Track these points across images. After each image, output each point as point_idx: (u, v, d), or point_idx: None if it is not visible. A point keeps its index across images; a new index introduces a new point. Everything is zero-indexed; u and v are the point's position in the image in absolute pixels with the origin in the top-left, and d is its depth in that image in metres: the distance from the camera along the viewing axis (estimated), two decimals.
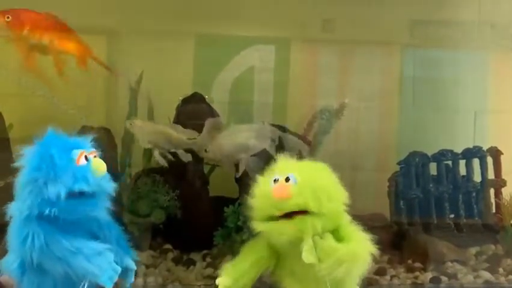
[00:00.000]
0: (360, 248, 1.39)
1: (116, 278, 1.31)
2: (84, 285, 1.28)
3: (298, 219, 1.36)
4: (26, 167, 1.28)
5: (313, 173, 1.42)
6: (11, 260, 1.32)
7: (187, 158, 2.02)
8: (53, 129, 1.33)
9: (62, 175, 1.25)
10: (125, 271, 1.41)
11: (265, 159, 1.94)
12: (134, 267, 1.44)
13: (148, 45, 2.34)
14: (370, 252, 1.40)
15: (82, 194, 1.28)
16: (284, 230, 1.37)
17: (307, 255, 1.34)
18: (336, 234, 1.40)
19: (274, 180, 1.40)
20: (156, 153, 1.99)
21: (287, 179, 1.38)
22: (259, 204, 1.42)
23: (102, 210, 1.35)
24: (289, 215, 1.37)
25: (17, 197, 1.30)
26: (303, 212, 1.37)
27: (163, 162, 2.00)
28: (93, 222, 1.36)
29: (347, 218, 1.46)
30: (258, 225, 1.41)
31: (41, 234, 1.25)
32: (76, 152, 1.29)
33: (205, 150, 2.02)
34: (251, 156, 1.99)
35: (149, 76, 2.19)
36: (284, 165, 1.44)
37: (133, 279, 1.44)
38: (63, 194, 1.24)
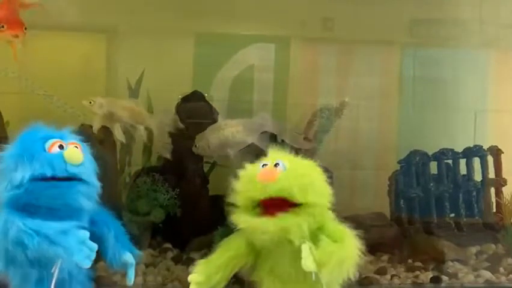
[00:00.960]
0: (354, 245, 1.34)
1: (93, 256, 1.26)
2: (55, 268, 1.26)
3: (281, 217, 1.30)
4: (5, 153, 1.30)
5: (302, 165, 1.38)
6: None
7: (144, 135, 2.02)
8: (39, 123, 1.34)
9: (31, 161, 1.26)
10: (124, 266, 1.40)
11: (254, 154, 1.95)
12: (133, 262, 1.42)
13: (148, 44, 2.33)
14: (359, 248, 1.34)
15: (53, 180, 1.27)
16: (267, 228, 1.30)
17: (307, 263, 1.27)
18: (322, 232, 1.35)
19: (263, 166, 1.36)
20: (117, 128, 1.97)
21: (276, 165, 1.34)
22: (243, 187, 1.36)
23: (85, 202, 1.32)
24: (271, 211, 1.32)
25: None
26: (286, 209, 1.31)
27: (122, 138, 1.99)
28: (83, 217, 1.34)
29: (331, 216, 1.40)
30: (239, 221, 1.35)
31: (17, 219, 1.25)
32: (50, 141, 1.30)
33: (195, 146, 2.02)
34: (239, 151, 1.99)
35: (149, 74, 2.19)
36: (275, 153, 1.39)
37: (133, 274, 1.43)
38: (26, 177, 1.24)
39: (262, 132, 2.04)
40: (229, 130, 2.02)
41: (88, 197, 1.32)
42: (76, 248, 1.24)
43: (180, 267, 1.93)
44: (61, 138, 1.32)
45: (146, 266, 1.92)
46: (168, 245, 2.09)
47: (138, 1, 2.33)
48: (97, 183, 1.35)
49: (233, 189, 1.37)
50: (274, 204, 1.32)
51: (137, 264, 1.84)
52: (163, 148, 2.03)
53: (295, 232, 1.30)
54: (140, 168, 2.15)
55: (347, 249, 1.32)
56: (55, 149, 1.29)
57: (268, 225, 1.30)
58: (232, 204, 1.37)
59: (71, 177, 1.29)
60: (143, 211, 2.03)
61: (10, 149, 1.30)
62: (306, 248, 1.29)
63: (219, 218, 1.93)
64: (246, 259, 1.41)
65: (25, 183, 1.25)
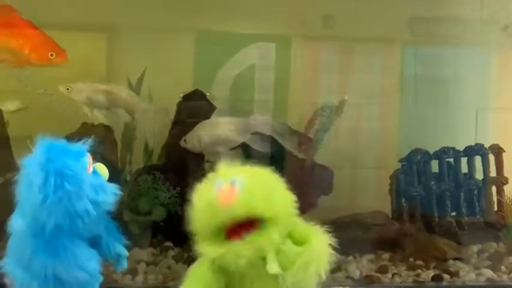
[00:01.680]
0: (322, 245, 1.28)
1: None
2: None
3: (252, 237, 1.24)
4: (42, 184, 1.20)
5: (259, 176, 1.29)
6: (28, 278, 1.26)
7: (126, 117, 2.02)
8: (48, 136, 1.26)
9: (85, 188, 1.22)
10: (117, 258, 1.39)
11: (244, 153, 1.96)
12: (126, 254, 1.41)
13: (149, 43, 2.33)
14: (330, 246, 1.28)
15: None
16: (241, 253, 1.23)
17: (271, 266, 1.23)
18: (293, 236, 1.30)
19: (218, 188, 1.24)
20: (86, 110, 1.96)
21: (232, 183, 1.23)
22: (202, 217, 1.25)
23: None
24: (238, 233, 1.25)
25: (25, 214, 1.25)
26: (252, 227, 1.25)
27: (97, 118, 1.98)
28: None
29: (298, 219, 1.33)
30: (207, 252, 1.26)
31: (69, 248, 1.24)
32: (86, 161, 1.26)
33: (184, 141, 2.02)
34: (230, 149, 1.99)
35: (149, 73, 2.18)
36: (226, 170, 1.28)
37: (125, 265, 1.42)
38: (91, 208, 1.22)
39: (253, 133, 2.03)
40: (221, 128, 2.02)
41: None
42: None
43: (181, 266, 1.94)
44: (85, 154, 1.28)
45: (147, 264, 1.93)
46: (169, 244, 2.09)
47: (139, 0, 2.32)
48: None
49: (191, 217, 1.27)
50: (238, 227, 1.25)
51: (138, 263, 1.89)
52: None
53: (270, 248, 1.25)
54: (141, 167, 2.15)
55: (312, 251, 1.27)
56: (91, 169, 1.27)
57: (242, 249, 1.23)
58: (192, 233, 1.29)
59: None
60: (144, 209, 2.03)
61: (42, 177, 1.20)
62: (270, 254, 1.25)
63: None
64: (219, 285, 1.32)
65: (91, 214, 1.22)
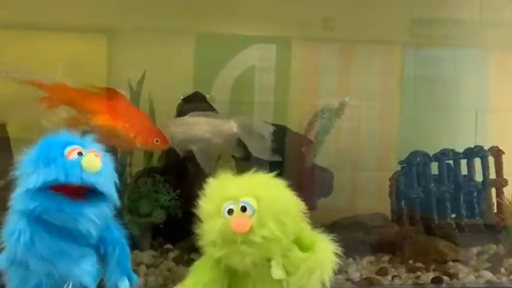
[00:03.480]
0: (327, 253, 1.32)
1: (98, 280, 1.31)
2: (68, 285, 1.28)
3: (259, 243, 1.27)
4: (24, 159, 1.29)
5: (269, 195, 1.31)
6: (3, 252, 1.31)
7: None
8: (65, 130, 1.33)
9: (47, 165, 1.25)
10: None
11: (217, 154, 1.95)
12: None
13: (149, 44, 2.33)
14: (335, 255, 1.33)
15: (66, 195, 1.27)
16: (247, 253, 1.27)
17: (276, 271, 1.28)
18: (299, 242, 1.34)
19: (229, 211, 1.28)
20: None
21: (243, 209, 1.27)
22: (217, 235, 1.29)
23: (95, 226, 1.30)
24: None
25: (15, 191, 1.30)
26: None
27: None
28: (92, 236, 1.33)
29: (306, 225, 1.37)
30: (213, 251, 1.31)
31: (27, 231, 1.25)
32: (69, 147, 1.28)
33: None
34: (203, 149, 1.99)
35: (149, 75, 2.18)
36: (234, 189, 1.31)
37: None
38: (40, 182, 1.23)
39: (230, 135, 2.03)
40: (197, 128, 2.01)
41: (99, 218, 1.30)
42: (89, 271, 1.28)
43: (181, 268, 1.94)
44: (82, 145, 1.30)
45: (148, 266, 1.93)
46: (169, 246, 2.09)
47: (139, 2, 2.32)
48: (114, 195, 1.33)
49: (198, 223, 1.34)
50: None
51: (138, 265, 1.89)
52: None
53: (276, 251, 1.29)
54: (141, 169, 2.15)
55: (317, 258, 1.30)
56: (73, 156, 1.27)
57: (248, 250, 1.27)
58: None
59: (86, 185, 1.27)
60: (144, 212, 2.03)
61: (29, 153, 1.29)
62: (275, 260, 1.29)
63: None
64: (221, 283, 1.36)
65: (35, 187, 1.23)
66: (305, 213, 1.36)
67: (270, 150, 2.01)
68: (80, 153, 1.28)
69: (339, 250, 1.34)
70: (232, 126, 2.02)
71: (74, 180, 1.25)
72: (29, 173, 1.26)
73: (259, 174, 1.36)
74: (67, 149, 1.28)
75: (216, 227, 1.29)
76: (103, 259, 1.36)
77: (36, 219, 1.26)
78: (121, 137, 1.70)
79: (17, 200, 1.27)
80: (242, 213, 1.27)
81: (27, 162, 1.28)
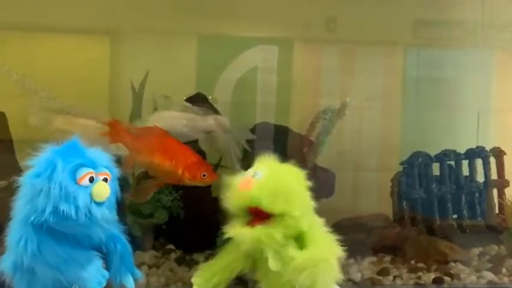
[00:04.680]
0: (321, 253, 1.36)
1: (104, 283, 1.31)
2: None
3: (256, 228, 1.38)
4: (32, 169, 1.26)
5: (280, 174, 1.42)
6: (6, 257, 1.31)
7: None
8: (77, 138, 1.30)
9: (56, 190, 1.23)
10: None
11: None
12: (133, 287, 1.41)
13: (151, 45, 2.34)
14: (335, 255, 1.38)
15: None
16: (243, 239, 1.39)
17: (273, 263, 1.36)
18: (301, 239, 1.39)
19: (244, 175, 1.43)
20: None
21: (254, 174, 1.40)
22: (231, 195, 1.43)
23: (99, 230, 1.32)
24: (255, 221, 1.39)
25: (18, 196, 1.29)
26: (265, 218, 1.38)
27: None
28: (95, 237, 1.34)
29: (312, 223, 1.43)
30: (227, 230, 1.43)
31: (35, 240, 1.25)
32: (82, 171, 1.26)
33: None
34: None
35: (152, 76, 2.19)
36: (261, 162, 1.45)
37: None
38: (48, 210, 1.22)
39: (208, 133, 2.04)
40: (175, 123, 2.01)
41: (105, 221, 1.31)
42: (95, 276, 1.29)
43: (183, 269, 1.95)
44: (93, 166, 1.28)
45: (150, 267, 1.94)
46: (171, 247, 2.10)
47: (142, 3, 2.33)
48: (114, 205, 1.34)
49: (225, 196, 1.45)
50: (259, 213, 1.39)
51: (140, 265, 1.90)
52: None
53: (267, 243, 1.36)
54: (143, 170, 2.16)
55: (310, 256, 1.35)
56: (85, 182, 1.26)
57: (244, 236, 1.39)
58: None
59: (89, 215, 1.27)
60: (146, 212, 2.04)
61: (38, 162, 1.25)
62: (270, 251, 1.37)
63: (222, 219, 1.95)
64: (243, 264, 1.48)
65: (47, 214, 1.22)
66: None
67: (238, 159, 2.02)
68: (91, 179, 1.27)
69: (341, 252, 1.38)
70: (209, 123, 2.03)
71: (83, 212, 1.25)
72: (34, 185, 1.24)
73: (290, 165, 1.47)
74: (79, 173, 1.26)
75: (233, 186, 1.43)
76: (105, 259, 1.36)
77: (41, 226, 1.25)
78: (170, 173, 1.74)
79: (23, 210, 1.26)
80: (251, 177, 1.40)
81: (35, 174, 1.24)
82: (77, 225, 1.26)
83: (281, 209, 1.36)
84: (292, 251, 1.36)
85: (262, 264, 1.42)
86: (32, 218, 1.24)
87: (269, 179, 1.39)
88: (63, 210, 1.22)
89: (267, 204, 1.35)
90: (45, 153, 1.27)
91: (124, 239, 1.40)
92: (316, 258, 1.34)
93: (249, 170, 1.43)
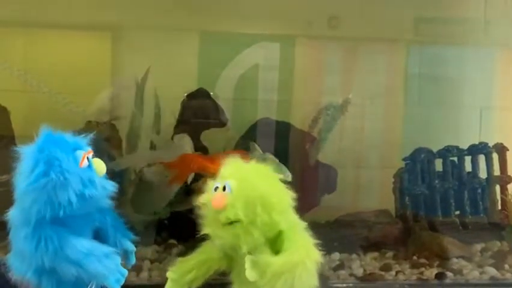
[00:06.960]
0: (298, 256, 1.32)
1: (123, 281, 1.29)
2: (92, 286, 1.28)
3: (232, 226, 1.32)
4: (29, 172, 1.22)
5: (251, 180, 1.35)
6: (24, 269, 1.27)
7: None
8: (48, 128, 1.28)
9: (71, 180, 1.22)
10: (125, 253, 1.40)
11: None
12: (134, 249, 1.42)
13: (153, 42, 2.34)
14: (312, 258, 1.34)
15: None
16: (219, 235, 1.34)
17: (250, 273, 1.31)
18: (277, 242, 1.36)
19: (215, 189, 1.35)
20: None
21: (224, 188, 1.33)
22: (205, 211, 1.37)
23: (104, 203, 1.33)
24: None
25: (18, 204, 1.26)
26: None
27: None
28: (96, 217, 1.35)
29: (291, 222, 1.39)
30: (204, 228, 1.39)
31: (55, 237, 1.23)
32: (79, 154, 1.27)
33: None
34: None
35: (154, 72, 2.19)
36: (227, 170, 1.37)
37: (133, 261, 1.43)
38: (74, 200, 1.22)
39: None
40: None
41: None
42: (113, 272, 1.27)
43: None
44: (82, 148, 1.28)
45: (152, 261, 1.93)
46: (173, 241, 2.10)
47: None
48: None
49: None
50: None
51: (142, 260, 1.90)
52: None
53: (244, 240, 1.32)
54: (146, 165, 2.16)
55: (286, 261, 1.31)
56: (85, 163, 1.26)
57: (221, 233, 1.34)
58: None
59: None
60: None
61: (34, 164, 1.22)
62: (248, 258, 1.31)
63: None
64: (219, 263, 1.44)
65: (74, 204, 1.22)
66: (302, 209, 1.38)
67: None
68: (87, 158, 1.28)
69: (319, 254, 1.35)
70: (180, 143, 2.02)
71: (100, 190, 1.27)
72: (44, 186, 1.21)
73: (260, 164, 1.41)
74: (78, 156, 1.26)
75: (202, 202, 1.37)
76: (101, 235, 1.37)
77: (54, 221, 1.24)
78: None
79: (36, 212, 1.23)
80: (223, 192, 1.33)
81: (40, 175, 1.21)
82: (96, 203, 1.29)
83: (263, 219, 1.31)
84: (268, 257, 1.32)
85: (237, 265, 1.39)
86: (48, 216, 1.22)
87: (241, 190, 1.32)
88: (88, 195, 1.24)
89: (245, 217, 1.30)
90: (32, 153, 1.24)
91: (110, 209, 1.38)
92: (293, 262, 1.30)
93: (217, 182, 1.35)
